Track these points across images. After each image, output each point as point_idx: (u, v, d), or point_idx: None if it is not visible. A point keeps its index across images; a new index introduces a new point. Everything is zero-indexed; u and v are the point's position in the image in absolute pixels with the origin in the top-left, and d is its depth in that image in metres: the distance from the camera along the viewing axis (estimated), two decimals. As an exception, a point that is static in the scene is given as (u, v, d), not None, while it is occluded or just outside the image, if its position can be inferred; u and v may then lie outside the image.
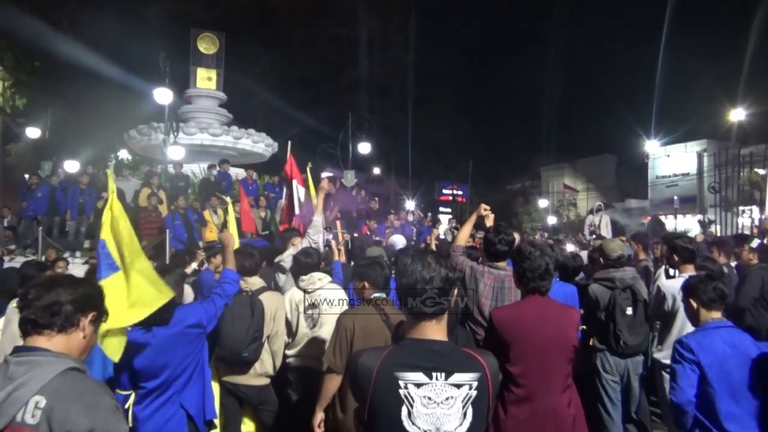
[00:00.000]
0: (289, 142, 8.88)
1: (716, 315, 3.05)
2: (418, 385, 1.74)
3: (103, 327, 2.43)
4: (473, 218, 4.21)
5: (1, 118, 22.91)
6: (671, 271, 4.43)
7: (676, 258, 4.32)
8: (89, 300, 1.86)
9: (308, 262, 4.34)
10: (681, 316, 3.95)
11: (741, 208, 29.97)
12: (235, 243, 4.11)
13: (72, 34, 22.12)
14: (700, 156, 38.42)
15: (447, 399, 1.74)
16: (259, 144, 16.61)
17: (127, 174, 14.81)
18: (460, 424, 1.74)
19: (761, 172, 29.25)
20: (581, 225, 18.03)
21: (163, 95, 13.62)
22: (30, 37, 22.06)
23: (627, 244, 7.02)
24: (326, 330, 3.94)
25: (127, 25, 23.90)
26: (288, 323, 4.19)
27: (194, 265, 5.83)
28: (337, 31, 32.49)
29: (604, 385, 4.12)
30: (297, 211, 7.50)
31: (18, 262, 8.21)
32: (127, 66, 21.84)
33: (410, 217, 15.37)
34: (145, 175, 14.10)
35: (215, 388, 3.79)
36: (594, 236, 11.82)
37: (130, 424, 2.89)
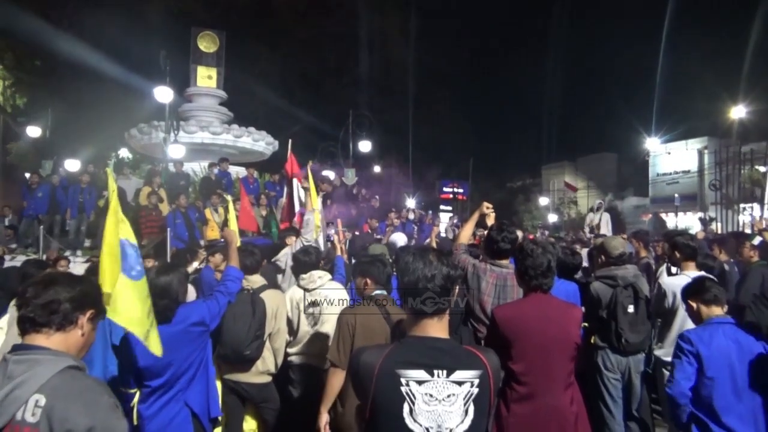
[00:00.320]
0: (290, 141, 8.88)
1: (718, 311, 3.07)
2: (420, 383, 1.74)
3: (144, 326, 2.46)
4: (476, 216, 4.20)
5: (1, 117, 22.93)
6: (673, 269, 4.43)
7: (678, 255, 4.33)
8: (87, 298, 1.86)
9: (307, 261, 4.34)
10: (681, 313, 3.95)
11: (742, 205, 29.97)
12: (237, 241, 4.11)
13: (72, 33, 22.13)
14: (700, 153, 38.41)
15: (448, 396, 1.74)
16: (259, 142, 16.62)
17: (128, 173, 14.82)
18: (462, 421, 1.74)
19: (762, 169, 29.23)
20: (582, 223, 18.03)
21: (164, 94, 13.63)
22: (30, 36, 22.09)
23: (628, 241, 7.01)
24: (327, 328, 3.95)
25: (127, 24, 23.91)
26: (289, 321, 4.20)
27: (196, 264, 5.82)
28: (338, 29, 32.46)
29: (605, 382, 4.11)
30: (297, 209, 7.51)
31: (19, 261, 8.21)
32: (127, 64, 21.89)
33: (411, 215, 15.38)
34: (146, 174, 14.10)
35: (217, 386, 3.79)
36: (593, 235, 11.79)
37: (135, 423, 2.89)
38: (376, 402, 1.76)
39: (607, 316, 4.11)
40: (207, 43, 17.25)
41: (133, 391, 2.94)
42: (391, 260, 4.31)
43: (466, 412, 1.75)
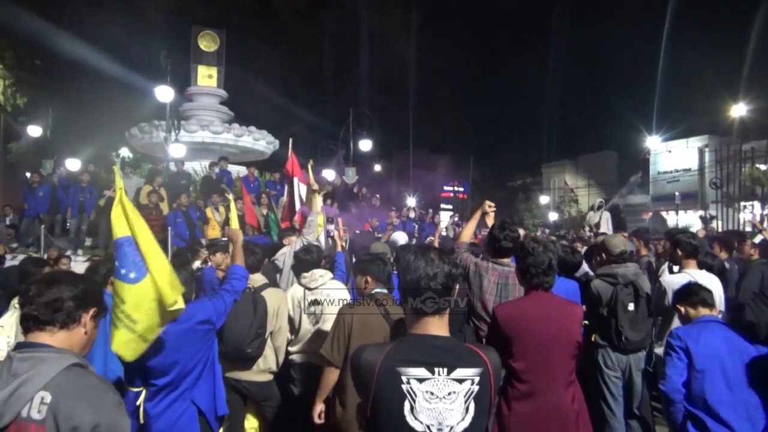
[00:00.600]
0: (290, 140, 8.87)
1: (705, 312, 3.17)
2: (421, 380, 1.75)
3: (135, 333, 2.40)
4: (478, 215, 4.21)
5: (2, 116, 22.93)
6: (675, 268, 4.44)
7: (680, 253, 4.33)
8: (90, 296, 1.87)
9: (308, 259, 4.35)
10: (682, 311, 3.96)
11: (742, 203, 29.96)
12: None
13: (73, 33, 22.12)
14: (701, 151, 38.39)
15: (449, 394, 1.75)
16: (260, 141, 16.63)
17: (129, 172, 14.81)
18: (463, 419, 1.75)
19: (762, 167, 29.23)
20: (582, 221, 18.02)
21: (164, 93, 13.64)
22: (31, 36, 22.12)
23: (629, 239, 7.01)
24: (329, 326, 3.95)
25: (127, 23, 23.94)
26: (290, 320, 4.21)
27: (198, 263, 5.82)
28: (338, 28, 32.49)
29: (605, 381, 4.12)
30: (298, 207, 7.51)
31: (20, 260, 8.21)
32: (128, 64, 21.90)
33: (411, 214, 15.38)
34: (148, 173, 14.11)
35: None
36: (592, 234, 11.78)
37: (142, 421, 2.87)
38: (377, 400, 1.77)
39: (607, 314, 4.12)
40: (207, 42, 17.26)
41: (138, 389, 2.93)
42: (391, 259, 4.32)
43: (467, 409, 1.76)
